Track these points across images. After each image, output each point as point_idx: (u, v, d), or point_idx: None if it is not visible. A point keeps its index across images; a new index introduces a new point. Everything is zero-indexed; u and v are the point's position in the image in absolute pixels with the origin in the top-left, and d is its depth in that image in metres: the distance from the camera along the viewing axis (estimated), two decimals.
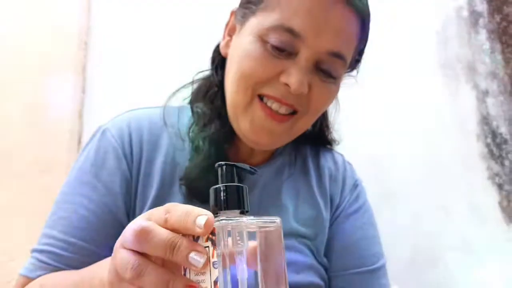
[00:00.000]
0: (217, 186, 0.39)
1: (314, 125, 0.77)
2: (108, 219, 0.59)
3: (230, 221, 0.36)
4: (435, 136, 1.27)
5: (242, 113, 0.62)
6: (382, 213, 1.14)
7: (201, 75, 0.72)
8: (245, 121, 0.62)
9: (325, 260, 0.69)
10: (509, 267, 1.15)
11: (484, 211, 1.20)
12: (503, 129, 1.29)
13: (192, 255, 0.35)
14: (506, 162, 1.25)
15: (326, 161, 0.75)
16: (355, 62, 0.69)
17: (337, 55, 0.60)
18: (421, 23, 1.36)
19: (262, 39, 0.59)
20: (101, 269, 0.49)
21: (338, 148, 0.87)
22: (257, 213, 0.66)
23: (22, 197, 1.00)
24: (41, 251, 0.58)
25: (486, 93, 1.33)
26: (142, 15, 1.21)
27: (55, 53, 1.16)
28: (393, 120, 1.27)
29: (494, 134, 1.29)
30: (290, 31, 0.57)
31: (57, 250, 0.57)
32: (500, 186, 1.23)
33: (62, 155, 1.07)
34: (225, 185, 0.39)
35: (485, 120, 1.30)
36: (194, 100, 0.69)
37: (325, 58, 0.59)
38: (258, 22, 0.60)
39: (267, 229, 0.39)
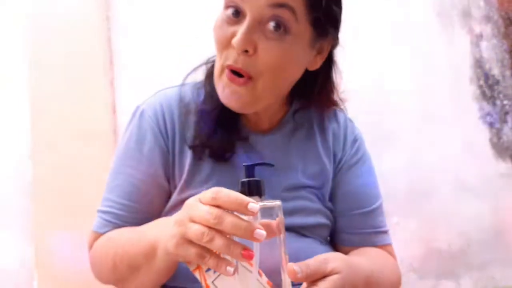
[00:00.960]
0: (244, 180, 0.55)
1: (314, 88, 0.87)
2: (151, 184, 0.74)
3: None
4: (430, 80, 1.38)
5: (217, 82, 0.71)
6: (382, 153, 1.30)
7: (212, 59, 0.83)
8: (219, 88, 0.71)
9: (330, 204, 0.82)
10: (497, 199, 1.30)
11: (476, 148, 1.34)
12: (495, 71, 1.39)
13: (257, 231, 0.49)
14: (497, 102, 1.37)
15: (330, 123, 0.86)
16: (320, 21, 0.70)
17: (279, 5, 0.63)
18: None
19: (223, 12, 0.68)
20: (154, 226, 0.66)
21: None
22: (272, 172, 0.80)
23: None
24: (104, 212, 0.74)
25: (480, 36, 1.42)
26: None
27: (81, 28, 1.29)
28: (391, 65, 1.37)
29: (486, 76, 1.39)
30: None
31: (116, 211, 0.73)
32: (491, 125, 1.36)
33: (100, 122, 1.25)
34: (248, 180, 0.55)
35: (478, 63, 1.40)
36: (205, 79, 0.81)
37: (268, 12, 0.63)
38: None
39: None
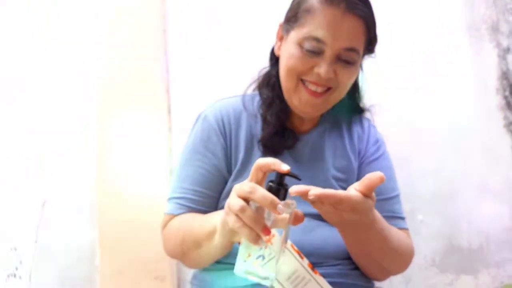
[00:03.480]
0: (272, 185, 0.65)
1: (349, 97, 1.03)
2: (216, 173, 0.91)
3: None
4: (458, 91, 1.48)
5: (293, 94, 0.90)
6: (411, 157, 1.42)
7: (263, 71, 1.00)
8: (296, 99, 0.90)
9: None
10: None
11: (499, 154, 1.43)
12: None
13: (279, 206, 0.62)
14: None
15: (356, 126, 1.03)
16: (369, 49, 0.93)
17: (351, 49, 0.85)
18: None
19: (300, 45, 0.86)
20: (217, 214, 0.81)
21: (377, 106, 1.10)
22: (309, 163, 0.95)
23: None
24: (178, 198, 0.91)
25: (507, 50, 1.51)
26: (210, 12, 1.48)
27: (141, 41, 1.47)
28: (421, 76, 1.47)
29: None
30: (317, 39, 0.84)
31: (189, 196, 0.90)
32: None
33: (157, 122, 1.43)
34: (276, 186, 0.66)
35: (504, 75, 1.49)
36: (260, 88, 0.99)
37: (343, 52, 0.85)
38: (296, 34, 0.87)
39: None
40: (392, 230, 0.86)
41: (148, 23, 1.48)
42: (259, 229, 0.63)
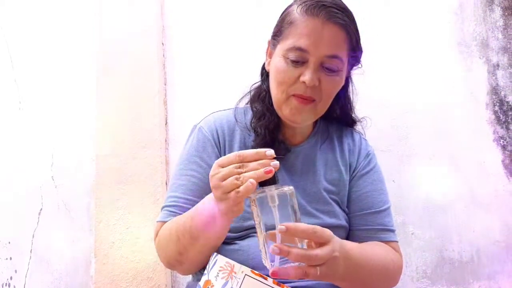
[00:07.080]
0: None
1: (340, 109, 1.06)
2: (209, 183, 0.93)
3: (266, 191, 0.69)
4: (449, 105, 1.50)
5: (283, 105, 0.92)
6: (402, 170, 1.44)
7: (254, 86, 1.04)
8: (286, 109, 0.92)
9: (346, 209, 1.00)
10: (507, 215, 1.41)
11: (489, 168, 1.46)
12: (510, 98, 1.52)
13: (267, 151, 0.69)
14: (511, 127, 1.48)
15: (347, 139, 1.05)
16: (354, 57, 0.95)
17: (333, 56, 0.88)
18: (440, 5, 1.56)
19: (285, 57, 0.89)
20: (206, 200, 0.83)
21: (368, 119, 1.13)
22: (300, 175, 0.97)
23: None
24: (170, 206, 0.93)
25: (496, 66, 1.54)
26: (206, 21, 1.51)
27: (140, 54, 1.50)
28: (412, 91, 1.51)
29: (501, 102, 1.51)
30: (299, 49, 0.87)
31: (181, 204, 0.92)
32: (504, 147, 1.47)
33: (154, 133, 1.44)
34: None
35: (494, 90, 1.52)
36: (252, 102, 1.01)
37: (326, 60, 0.88)
38: (281, 47, 0.90)
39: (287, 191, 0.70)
40: (367, 253, 0.87)
41: (147, 37, 1.52)
42: (263, 157, 0.69)
